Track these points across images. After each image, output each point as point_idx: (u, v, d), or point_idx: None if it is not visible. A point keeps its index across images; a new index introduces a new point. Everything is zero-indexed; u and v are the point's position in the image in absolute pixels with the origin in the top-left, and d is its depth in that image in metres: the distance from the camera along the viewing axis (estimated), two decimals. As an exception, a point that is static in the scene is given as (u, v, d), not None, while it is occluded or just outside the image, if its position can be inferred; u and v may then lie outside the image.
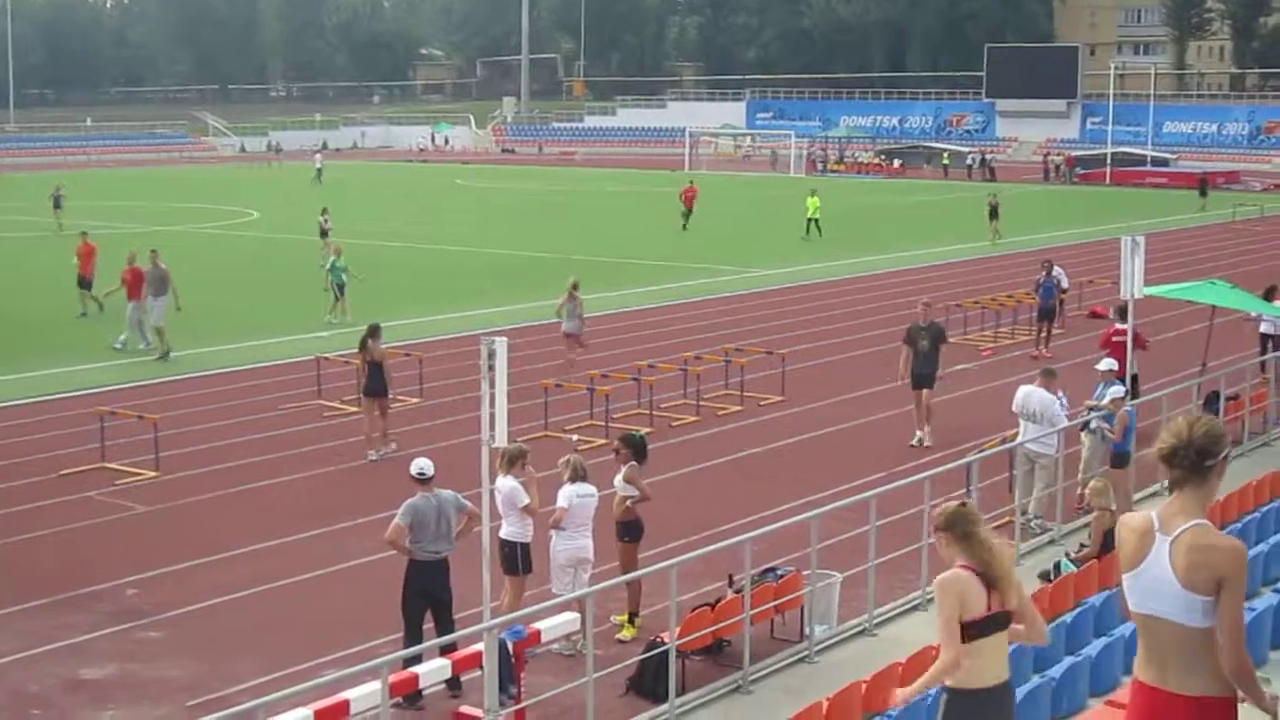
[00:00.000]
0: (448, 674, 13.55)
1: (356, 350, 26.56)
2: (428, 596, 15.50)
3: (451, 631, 15.00)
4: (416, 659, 13.70)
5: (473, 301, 41.97)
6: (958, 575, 7.97)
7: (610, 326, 38.13)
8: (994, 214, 60.22)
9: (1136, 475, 20.98)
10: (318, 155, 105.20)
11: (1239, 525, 17.08)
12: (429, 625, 15.48)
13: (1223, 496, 18.11)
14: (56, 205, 63.46)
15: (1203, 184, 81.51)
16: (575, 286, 32.84)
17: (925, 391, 26.11)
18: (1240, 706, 6.83)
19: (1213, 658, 6.63)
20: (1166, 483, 6.81)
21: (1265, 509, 18.08)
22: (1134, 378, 26.31)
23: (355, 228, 59.55)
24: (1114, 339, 26.52)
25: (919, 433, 26.05)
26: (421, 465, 15.83)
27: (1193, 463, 6.67)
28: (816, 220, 60.95)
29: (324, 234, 50.84)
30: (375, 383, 25.29)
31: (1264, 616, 13.27)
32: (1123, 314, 26.66)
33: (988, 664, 8.09)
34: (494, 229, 64.71)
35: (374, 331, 25.64)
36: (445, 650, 14.21)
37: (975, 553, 8.02)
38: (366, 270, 42.91)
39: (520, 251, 55.28)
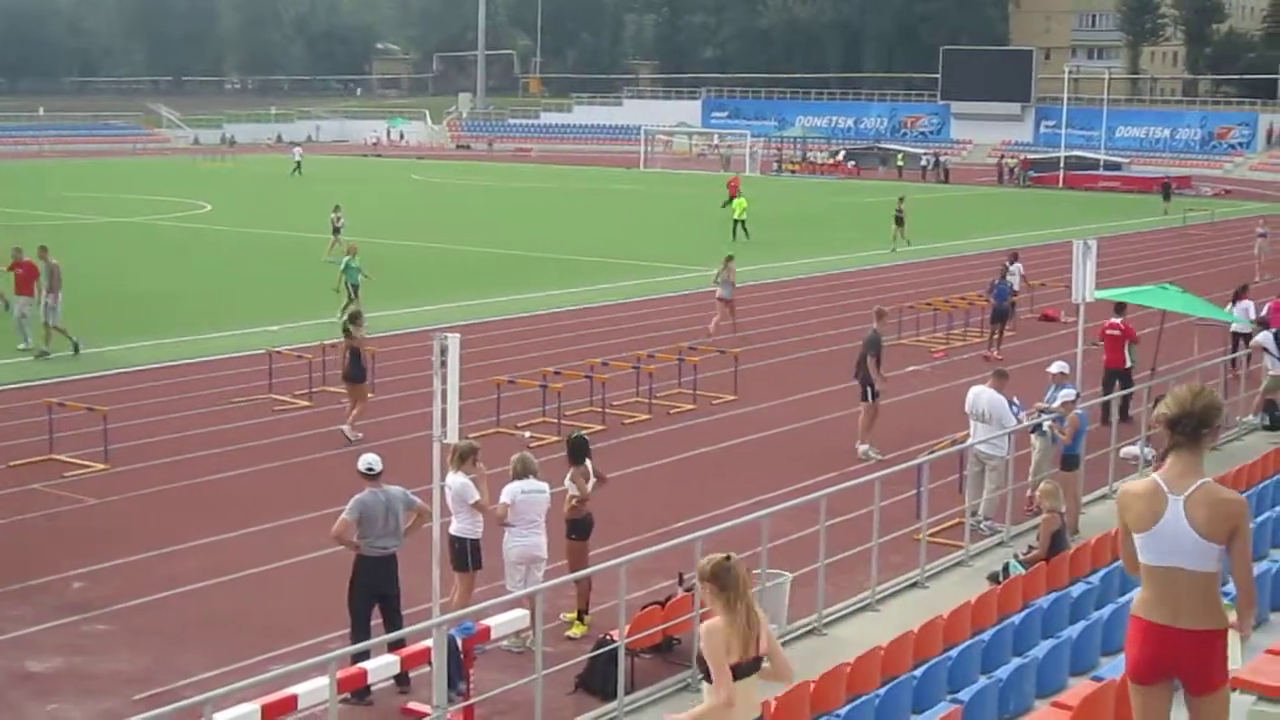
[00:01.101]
0: (396, 670, 13.52)
1: (341, 337, 26.86)
2: (375, 592, 15.46)
3: (399, 628, 14.98)
4: (365, 654, 13.67)
5: (425, 297, 41.85)
6: (719, 623, 8.45)
7: (563, 324, 38.10)
8: (899, 221, 58.00)
9: (1086, 478, 21.12)
10: (297, 149, 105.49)
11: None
12: (376, 621, 15.45)
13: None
14: None
15: (1166, 188, 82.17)
16: (730, 259, 37.95)
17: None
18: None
19: (1216, 596, 7.52)
20: (1164, 448, 7.58)
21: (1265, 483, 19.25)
22: (1129, 370, 26.63)
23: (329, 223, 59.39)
24: (1108, 332, 27.30)
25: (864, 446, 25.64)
26: (370, 461, 15.78)
27: (1192, 430, 7.45)
28: (744, 223, 59.57)
29: (336, 231, 50.18)
30: (355, 369, 25.85)
31: (1263, 579, 13.55)
32: (1119, 309, 27.06)
33: (742, 705, 8.59)
34: (449, 225, 64.55)
35: (355, 318, 26.43)
36: (393, 646, 14.17)
37: (731, 604, 8.45)
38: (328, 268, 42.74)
39: (470, 248, 55.16)
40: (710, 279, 39.28)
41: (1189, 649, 7.50)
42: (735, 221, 59.62)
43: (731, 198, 67.86)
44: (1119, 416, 25.73)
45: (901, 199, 58.95)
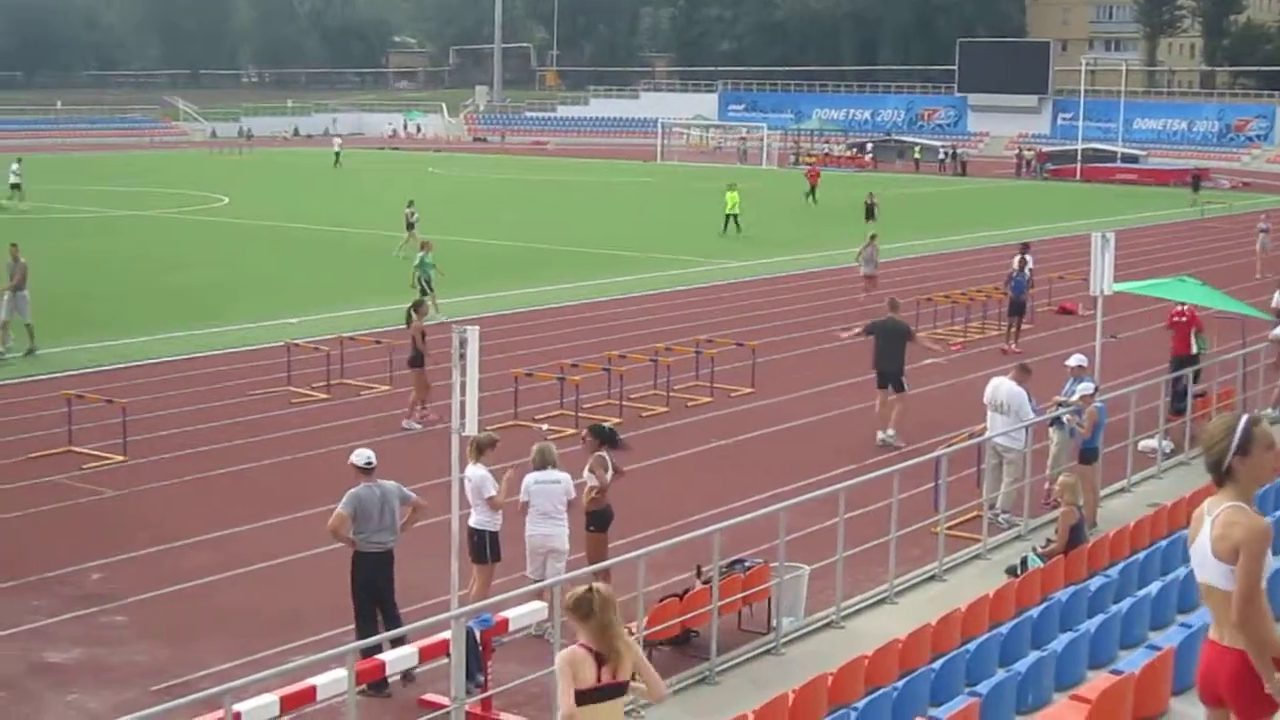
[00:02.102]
0: (414, 661, 13.54)
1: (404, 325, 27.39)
2: (374, 587, 15.43)
3: (396, 623, 15.06)
4: (376, 649, 13.67)
5: (444, 290, 41.85)
6: (573, 651, 8.83)
7: (580, 317, 38.11)
8: (870, 214, 56.25)
9: (1104, 471, 21.09)
10: (338, 139, 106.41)
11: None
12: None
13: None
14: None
15: (1195, 179, 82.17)
16: (874, 237, 41.94)
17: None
18: None
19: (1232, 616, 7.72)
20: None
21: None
22: (1196, 357, 26.55)
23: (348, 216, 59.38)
24: (1175, 320, 27.45)
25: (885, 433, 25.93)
26: (365, 455, 15.68)
27: (1213, 466, 7.84)
28: (735, 216, 58.77)
29: (410, 226, 49.71)
30: (415, 355, 26.44)
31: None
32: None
33: None
34: (465, 217, 64.55)
35: (417, 305, 27.37)
36: (393, 642, 14.26)
37: (591, 633, 8.80)
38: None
39: (485, 240, 55.17)
40: (853, 256, 43.20)
41: (1228, 668, 7.74)
42: (727, 215, 58.67)
43: (812, 187, 70.47)
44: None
45: (871, 193, 57.30)
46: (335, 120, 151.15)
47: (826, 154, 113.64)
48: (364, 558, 15.37)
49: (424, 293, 36.50)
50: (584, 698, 8.76)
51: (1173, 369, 26.71)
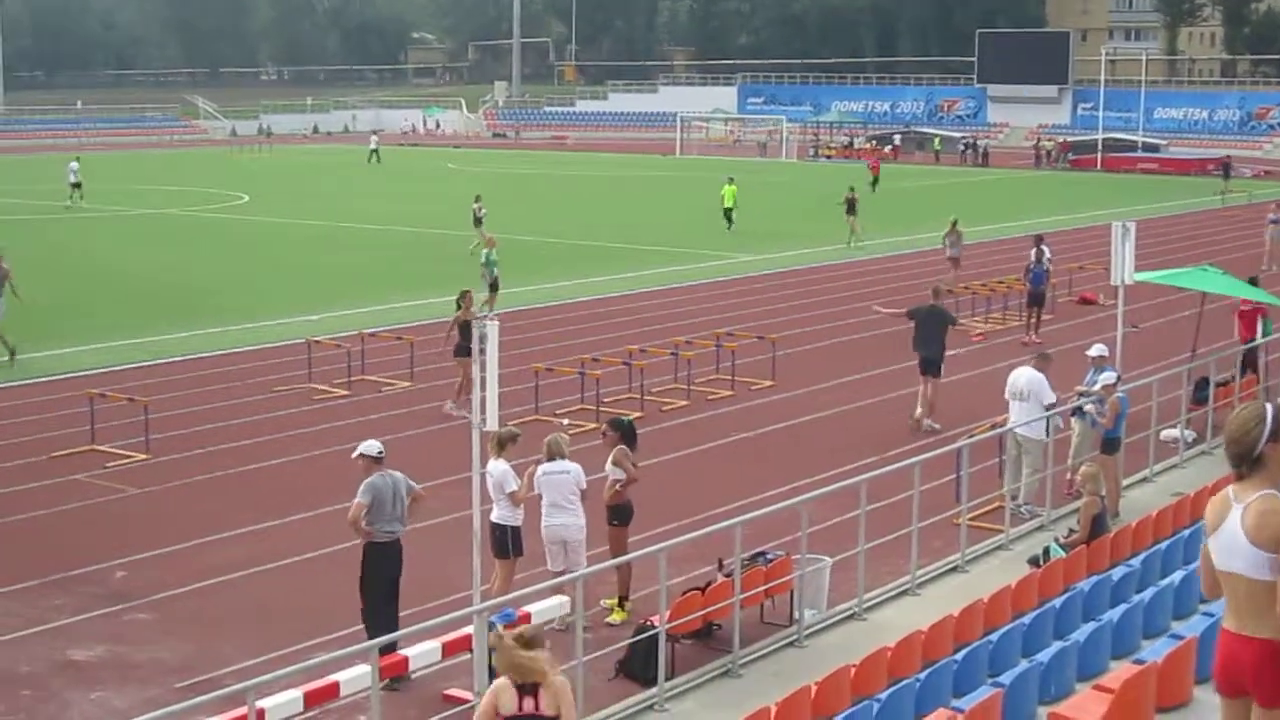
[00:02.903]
0: (438, 656, 13.56)
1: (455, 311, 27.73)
2: (386, 577, 15.49)
3: (396, 615, 15.24)
4: (391, 644, 13.67)
5: (460, 286, 41.87)
6: (497, 683, 9.67)
7: (600, 311, 38.12)
8: (851, 209, 53.54)
9: (1126, 461, 21.05)
10: (374, 136, 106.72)
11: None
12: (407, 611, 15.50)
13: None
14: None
15: (1225, 167, 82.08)
16: (956, 222, 42.93)
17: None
18: None
19: (1275, 608, 7.67)
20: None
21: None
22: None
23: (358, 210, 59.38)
24: (1243, 309, 27.60)
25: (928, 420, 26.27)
26: (375, 445, 15.84)
27: (1237, 458, 7.77)
28: (731, 210, 57.31)
29: (478, 222, 49.44)
30: (466, 342, 26.16)
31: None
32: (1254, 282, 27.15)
33: None
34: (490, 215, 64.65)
35: (464, 295, 27.77)
36: (384, 652, 14.31)
37: (510, 668, 9.56)
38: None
39: (505, 235, 55.17)
40: (939, 239, 44.14)
41: (1252, 656, 7.70)
42: (726, 210, 57.48)
43: (875, 177, 71.00)
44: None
45: (852, 187, 55.00)
46: (354, 117, 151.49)
47: (848, 146, 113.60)
48: (376, 548, 15.44)
49: (492, 289, 36.41)
50: None
51: (1245, 355, 26.70)
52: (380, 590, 15.49)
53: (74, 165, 68.08)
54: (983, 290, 38.25)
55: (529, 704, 9.54)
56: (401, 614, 15.96)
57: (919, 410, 26.24)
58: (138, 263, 47.50)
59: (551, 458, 16.58)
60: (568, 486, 16.49)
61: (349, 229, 57.73)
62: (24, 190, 73.24)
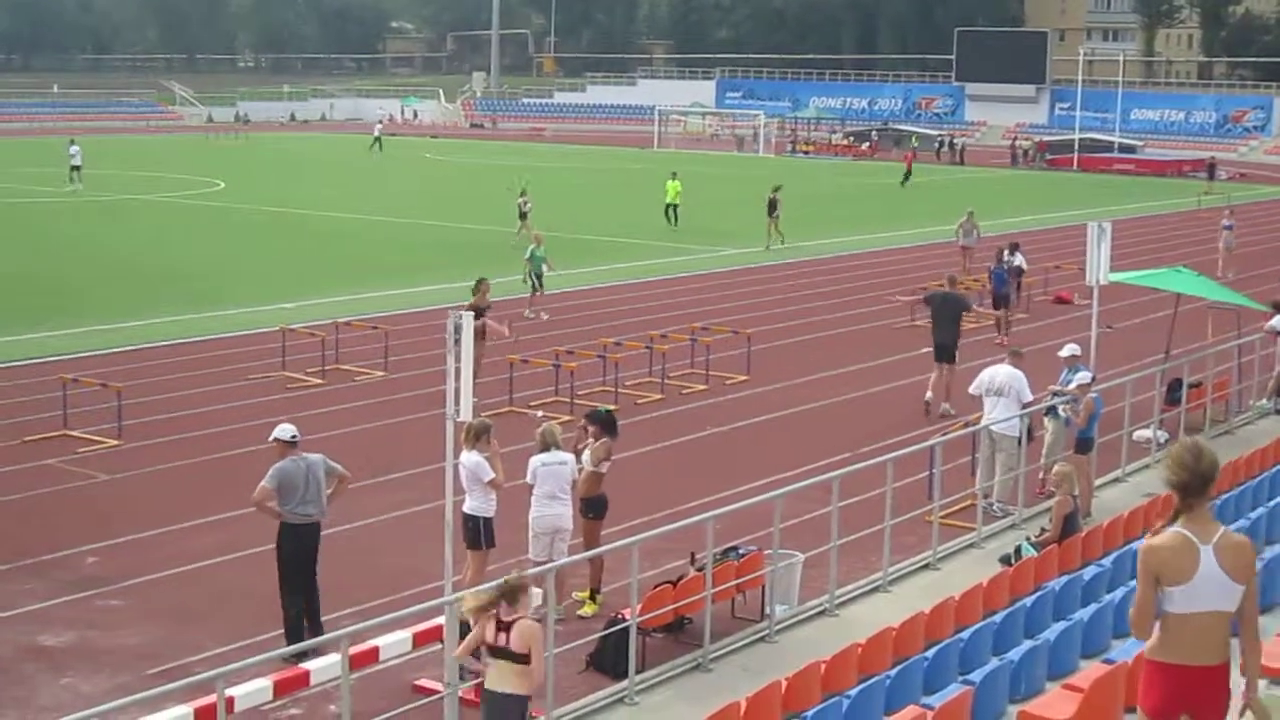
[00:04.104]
0: (408, 647, 13.54)
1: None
2: (300, 559, 15.65)
3: (315, 596, 15.52)
4: (298, 628, 13.68)
5: (437, 276, 41.86)
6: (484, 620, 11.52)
7: (577, 304, 38.10)
8: (771, 210, 50.70)
9: (1099, 461, 21.11)
10: (378, 125, 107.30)
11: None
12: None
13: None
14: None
15: (1211, 168, 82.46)
16: (972, 213, 43.98)
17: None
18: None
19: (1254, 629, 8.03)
20: (1175, 509, 7.86)
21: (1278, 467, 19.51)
22: None
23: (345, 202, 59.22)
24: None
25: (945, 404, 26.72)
26: (288, 429, 16.03)
27: (1202, 489, 7.80)
28: (675, 206, 55.92)
29: (523, 216, 49.07)
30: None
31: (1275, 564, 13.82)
32: None
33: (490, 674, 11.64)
34: (459, 203, 64.52)
35: (478, 283, 27.87)
36: (309, 618, 15.18)
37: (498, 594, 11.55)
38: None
39: (480, 226, 55.09)
40: (952, 231, 45.20)
41: (1216, 684, 7.91)
42: (667, 205, 56.17)
43: (908, 172, 72.72)
44: None
45: (777, 187, 52.21)
46: (332, 106, 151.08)
47: (828, 142, 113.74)
48: (289, 529, 15.61)
49: (534, 288, 35.97)
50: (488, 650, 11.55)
51: None
52: (291, 571, 15.67)
53: (74, 149, 67.74)
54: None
55: (502, 638, 11.37)
56: (373, 604, 16.00)
57: (929, 395, 26.55)
58: (112, 248, 47.34)
59: (546, 448, 16.58)
60: (565, 477, 16.53)
61: (325, 217, 57.59)
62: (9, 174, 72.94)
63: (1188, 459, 7.78)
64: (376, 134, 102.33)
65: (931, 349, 27.76)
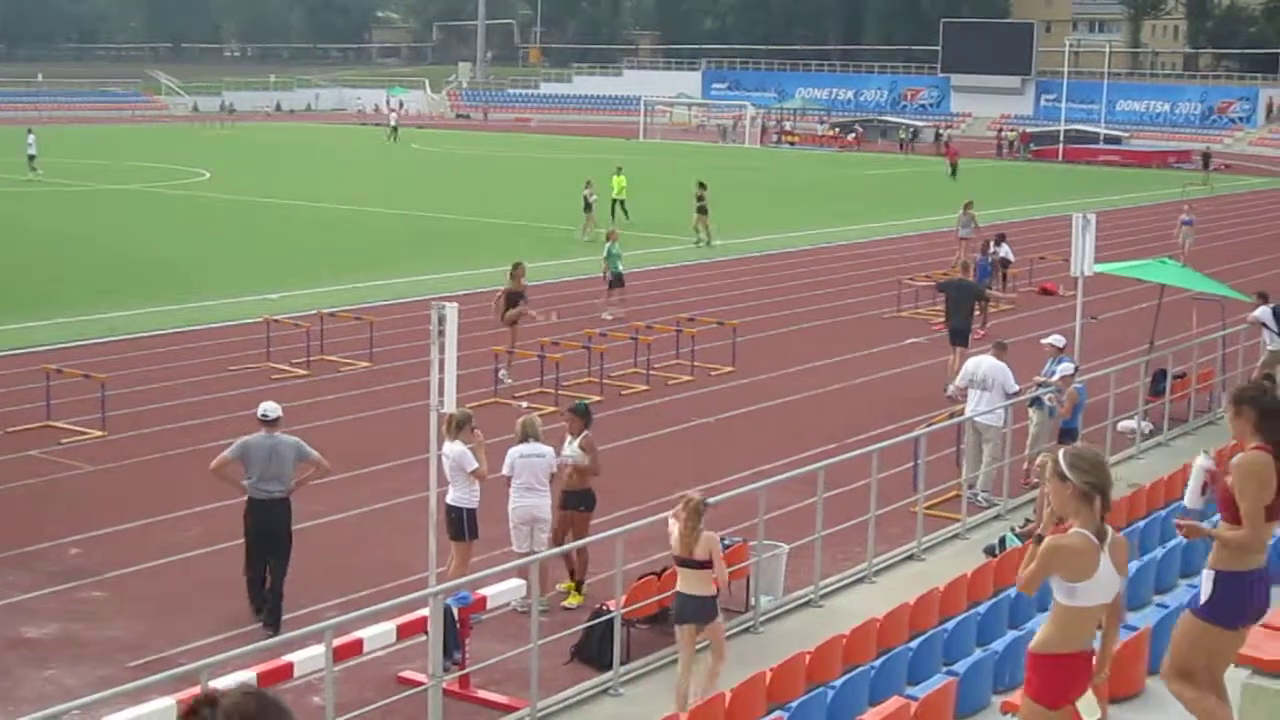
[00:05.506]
0: (392, 639, 13.53)
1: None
2: (260, 533, 16.08)
3: (282, 574, 15.90)
4: (260, 590, 13.74)
5: (422, 266, 41.81)
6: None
7: (562, 294, 38.04)
8: (702, 210, 48.85)
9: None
10: (393, 114, 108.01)
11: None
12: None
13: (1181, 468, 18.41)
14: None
15: (1205, 158, 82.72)
16: (970, 204, 43.83)
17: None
18: None
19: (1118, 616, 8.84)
20: (1076, 509, 8.26)
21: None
22: None
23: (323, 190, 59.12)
24: None
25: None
26: (265, 407, 16.51)
27: (1108, 491, 8.37)
28: (623, 202, 53.53)
29: (587, 207, 48.80)
30: (508, 313, 28.25)
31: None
32: None
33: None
34: (443, 193, 64.43)
35: (515, 267, 28.73)
36: (272, 590, 15.62)
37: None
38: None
39: (463, 216, 55.06)
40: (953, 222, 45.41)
41: (1090, 666, 8.54)
42: (614, 201, 53.81)
43: (954, 165, 74.83)
44: None
45: (702, 184, 49.88)
46: (318, 96, 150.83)
47: (812, 133, 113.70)
48: (251, 503, 16.14)
49: (612, 285, 35.41)
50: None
51: None
52: (251, 542, 16.15)
53: (30, 139, 67.78)
54: (941, 277, 38.21)
55: (685, 551, 13.23)
56: (357, 595, 15.99)
57: (948, 383, 26.63)
58: (97, 238, 47.22)
59: (525, 439, 16.60)
60: (542, 469, 16.57)
61: (310, 207, 57.51)
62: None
63: (1099, 463, 8.37)
64: (392, 123, 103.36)
65: (946, 334, 28.86)
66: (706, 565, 13.12)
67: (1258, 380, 11.31)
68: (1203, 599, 9.40)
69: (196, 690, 11.40)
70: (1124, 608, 8.91)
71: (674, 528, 13.25)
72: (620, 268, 35.63)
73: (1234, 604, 9.34)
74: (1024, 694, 8.66)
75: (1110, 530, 8.33)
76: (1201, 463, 9.85)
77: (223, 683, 11.55)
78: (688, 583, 13.23)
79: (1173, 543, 14.79)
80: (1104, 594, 8.29)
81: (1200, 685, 9.45)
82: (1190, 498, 10.08)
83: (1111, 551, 8.26)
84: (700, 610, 13.24)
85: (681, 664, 13.32)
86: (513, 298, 28.30)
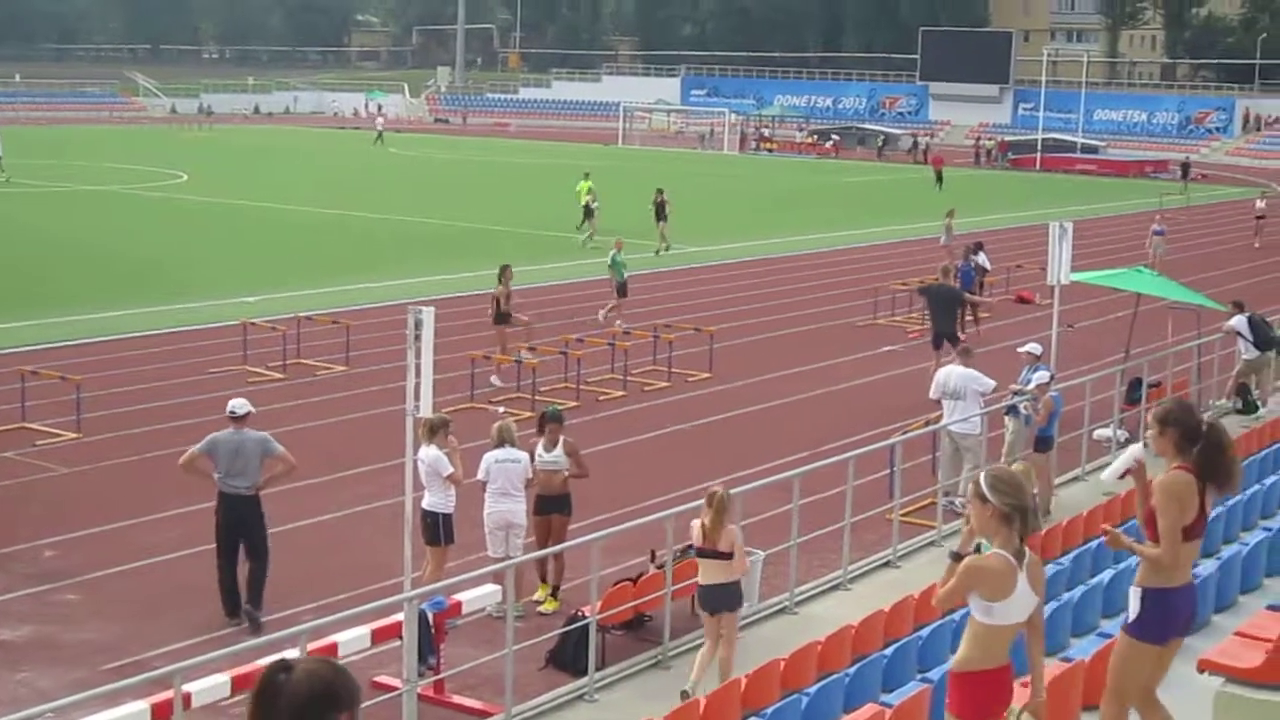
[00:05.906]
0: (367, 643, 13.51)
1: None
2: (229, 527, 16.41)
3: (262, 567, 16.16)
4: (231, 585, 13.83)
5: (398, 270, 41.77)
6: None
7: (538, 300, 38.03)
8: (660, 214, 48.40)
9: (1059, 459, 21.18)
10: (380, 119, 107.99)
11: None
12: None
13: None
14: None
15: (1185, 167, 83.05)
16: (952, 212, 45.16)
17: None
18: None
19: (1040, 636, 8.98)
20: (994, 529, 8.46)
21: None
22: None
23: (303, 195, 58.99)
24: None
25: None
26: (234, 404, 16.86)
27: (1028, 513, 8.48)
28: (587, 206, 51.23)
29: (589, 213, 48.50)
30: (498, 315, 28.74)
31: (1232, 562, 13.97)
32: None
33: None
34: (421, 198, 64.37)
35: (503, 270, 29.12)
36: (251, 587, 15.89)
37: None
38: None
39: (438, 221, 55.02)
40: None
41: (1009, 681, 8.72)
42: (584, 206, 51.95)
43: (939, 173, 75.17)
44: None
45: (661, 190, 49.62)
46: (296, 99, 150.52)
47: (790, 141, 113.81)
48: (220, 497, 16.48)
49: (620, 294, 34.84)
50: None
51: None
52: (221, 538, 16.45)
53: None
54: (917, 284, 38.30)
55: (708, 543, 13.77)
56: (333, 599, 15.96)
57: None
58: (74, 240, 47.10)
59: (501, 444, 16.61)
60: (517, 474, 16.58)
61: (287, 211, 57.42)
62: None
63: (1019, 486, 8.52)
64: (379, 128, 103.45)
65: (930, 338, 29.49)
66: (729, 556, 13.64)
67: (1180, 399, 11.41)
68: (1130, 616, 9.51)
69: (194, 689, 11.43)
70: (1043, 626, 9.00)
71: (696, 521, 13.82)
72: (624, 276, 35.30)
73: (1161, 621, 9.40)
74: (949, 713, 8.74)
75: (1028, 552, 8.46)
76: (1134, 450, 9.86)
77: (199, 685, 11.55)
78: (711, 573, 13.76)
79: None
80: (1019, 614, 8.41)
81: (1136, 706, 9.63)
82: (1108, 474, 10.30)
83: (1029, 572, 8.38)
84: (728, 597, 13.78)
85: (708, 650, 13.73)
86: (503, 301, 28.87)
